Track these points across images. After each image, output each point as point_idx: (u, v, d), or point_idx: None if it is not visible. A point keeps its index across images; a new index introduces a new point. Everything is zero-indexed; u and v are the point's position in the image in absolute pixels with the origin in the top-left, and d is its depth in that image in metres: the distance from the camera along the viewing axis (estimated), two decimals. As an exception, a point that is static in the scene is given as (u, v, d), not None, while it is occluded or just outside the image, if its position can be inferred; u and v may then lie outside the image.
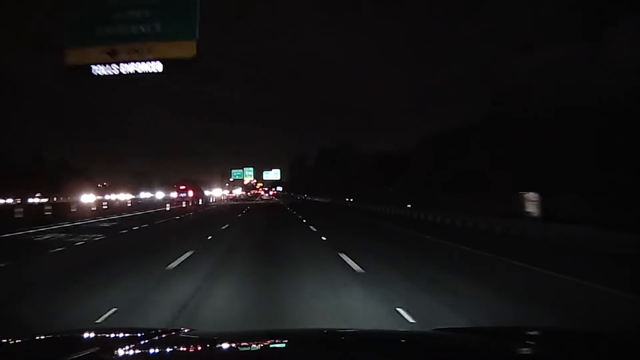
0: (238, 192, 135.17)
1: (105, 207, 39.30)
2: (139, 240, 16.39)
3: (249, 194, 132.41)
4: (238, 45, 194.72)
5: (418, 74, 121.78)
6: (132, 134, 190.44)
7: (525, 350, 1.92)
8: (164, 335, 2.08)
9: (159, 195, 78.91)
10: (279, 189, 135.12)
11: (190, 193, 58.05)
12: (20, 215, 24.90)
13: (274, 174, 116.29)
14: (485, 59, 61.20)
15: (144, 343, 1.94)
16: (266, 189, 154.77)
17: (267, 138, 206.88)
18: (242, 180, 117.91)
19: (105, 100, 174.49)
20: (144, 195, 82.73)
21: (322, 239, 15.10)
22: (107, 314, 5.82)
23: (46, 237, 16.96)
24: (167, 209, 45.80)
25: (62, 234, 17.93)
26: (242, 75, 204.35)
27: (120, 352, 1.82)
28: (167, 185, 79.87)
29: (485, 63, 60.53)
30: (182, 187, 59.12)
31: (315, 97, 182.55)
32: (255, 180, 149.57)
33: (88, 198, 49.56)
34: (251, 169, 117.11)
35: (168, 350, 1.92)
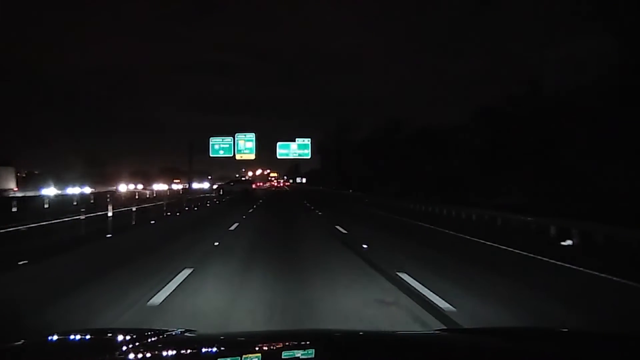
0: (204, 185, 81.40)
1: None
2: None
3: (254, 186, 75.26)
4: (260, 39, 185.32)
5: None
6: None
7: (526, 351, 1.91)
8: (163, 336, 2.10)
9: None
10: (301, 180, 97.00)
11: None
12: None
13: (297, 149, 45.14)
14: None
15: (144, 344, 1.95)
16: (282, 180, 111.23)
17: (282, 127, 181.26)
18: (233, 157, 44.26)
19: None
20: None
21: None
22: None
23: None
24: None
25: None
26: (260, 68, 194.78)
27: (120, 353, 1.82)
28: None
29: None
30: None
31: (333, 90, 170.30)
32: (268, 170, 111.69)
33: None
34: (251, 136, 44.47)
35: (168, 351, 1.93)
